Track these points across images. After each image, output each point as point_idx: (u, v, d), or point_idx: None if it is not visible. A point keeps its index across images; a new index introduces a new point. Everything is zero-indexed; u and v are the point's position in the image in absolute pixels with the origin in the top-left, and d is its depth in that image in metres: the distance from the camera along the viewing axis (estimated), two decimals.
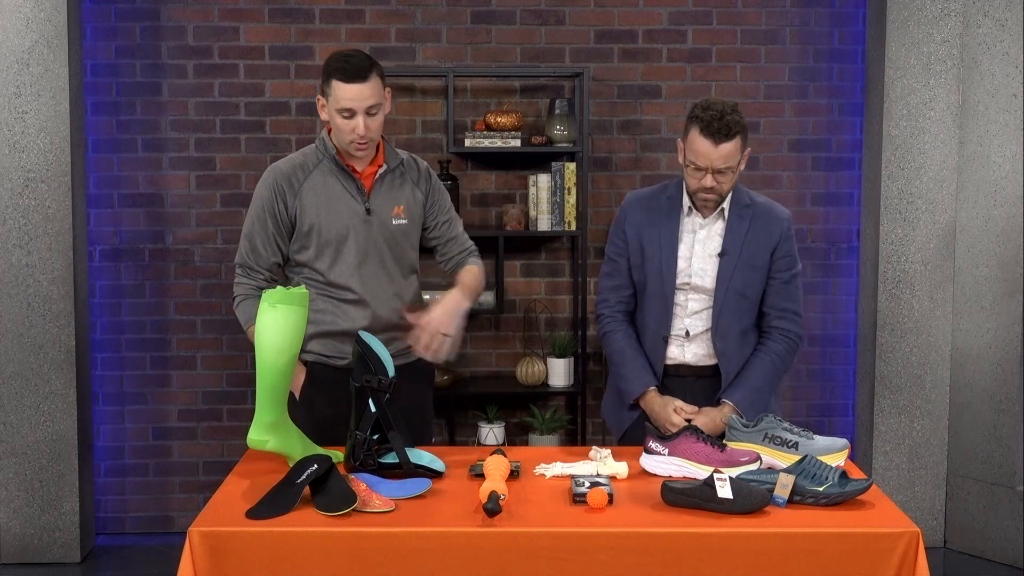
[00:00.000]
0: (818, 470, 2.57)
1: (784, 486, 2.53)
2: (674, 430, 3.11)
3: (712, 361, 3.24)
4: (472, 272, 3.23)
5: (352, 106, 2.97)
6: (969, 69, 4.65)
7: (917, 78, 4.67)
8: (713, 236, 3.20)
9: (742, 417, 3.10)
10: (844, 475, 2.59)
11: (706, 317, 3.21)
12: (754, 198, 3.25)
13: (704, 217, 3.20)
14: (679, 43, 4.91)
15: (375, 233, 3.09)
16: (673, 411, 3.17)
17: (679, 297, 3.20)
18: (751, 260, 3.18)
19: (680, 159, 3.16)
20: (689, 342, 3.22)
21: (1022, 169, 4.54)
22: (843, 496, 2.54)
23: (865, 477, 2.67)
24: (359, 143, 3.02)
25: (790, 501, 2.54)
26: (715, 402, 3.21)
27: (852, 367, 5.03)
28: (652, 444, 2.81)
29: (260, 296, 3.02)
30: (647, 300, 3.24)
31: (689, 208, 3.20)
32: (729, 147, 3.04)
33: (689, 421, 3.15)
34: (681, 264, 3.18)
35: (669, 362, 3.24)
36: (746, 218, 3.19)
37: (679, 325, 3.22)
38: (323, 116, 3.05)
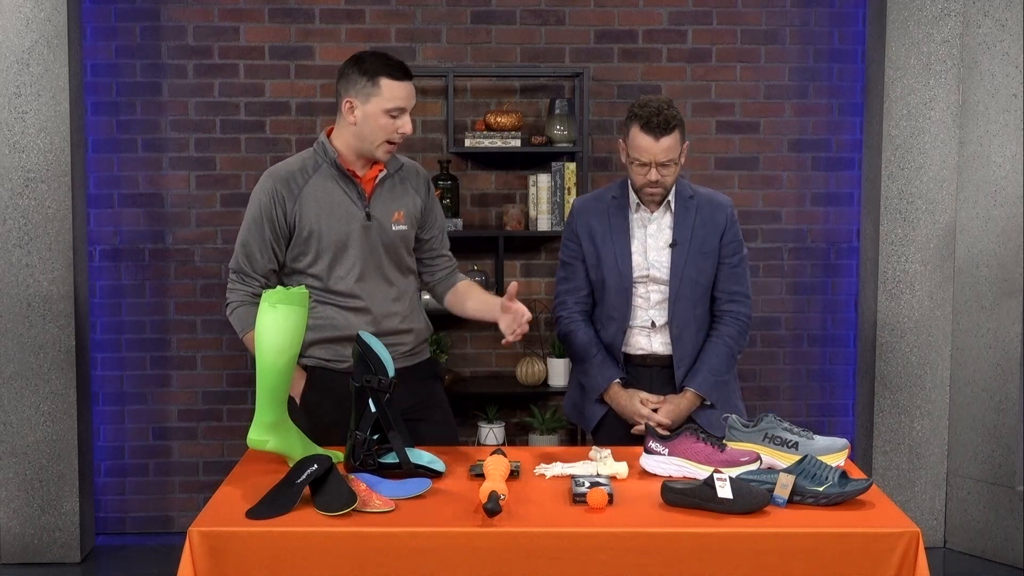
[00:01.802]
0: (818, 470, 2.57)
1: (784, 486, 2.53)
2: (642, 422, 3.25)
3: None
4: (477, 286, 3.29)
5: (405, 104, 2.98)
6: (969, 69, 4.65)
7: (917, 78, 4.67)
8: (663, 229, 3.33)
9: (705, 400, 3.30)
10: (844, 475, 2.59)
11: (668, 306, 3.34)
12: (696, 189, 3.39)
13: (651, 212, 3.33)
14: (679, 43, 4.91)
15: (375, 239, 3.06)
16: (639, 403, 3.29)
17: (640, 290, 3.33)
18: (701, 248, 3.31)
19: (623, 158, 3.30)
20: (656, 332, 3.34)
21: (1022, 169, 4.53)
22: (843, 496, 2.54)
23: (865, 477, 2.67)
24: (392, 144, 3.02)
25: (790, 501, 2.54)
26: (677, 390, 3.33)
27: (852, 367, 5.04)
28: (652, 444, 2.81)
29: (255, 303, 3.02)
30: (608, 295, 3.35)
31: (636, 205, 3.34)
32: (669, 141, 3.18)
33: (655, 411, 3.28)
34: (637, 259, 3.32)
35: (637, 352, 3.36)
36: (691, 208, 3.33)
37: (644, 317, 3.34)
38: (351, 119, 3.00)
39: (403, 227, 3.11)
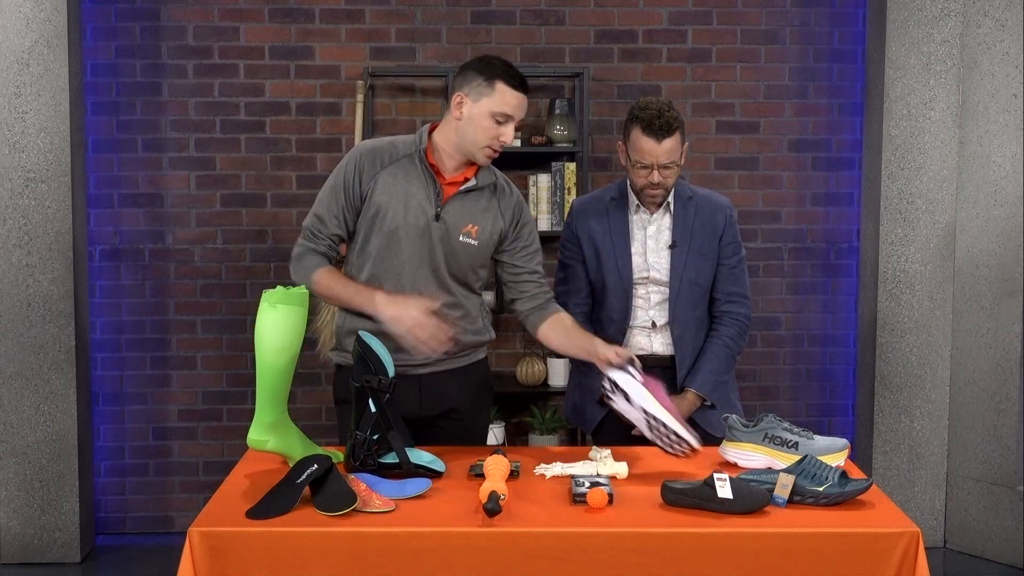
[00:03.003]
0: (818, 470, 2.57)
1: (784, 486, 2.53)
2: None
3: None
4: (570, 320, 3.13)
5: (514, 113, 2.95)
6: (969, 69, 4.65)
7: (917, 78, 4.67)
8: (663, 230, 3.34)
9: (706, 400, 3.32)
10: (844, 475, 2.59)
11: (668, 307, 3.35)
12: (695, 190, 3.40)
13: (651, 213, 3.33)
14: (679, 43, 4.91)
15: (435, 240, 2.99)
16: None
17: (640, 291, 3.33)
18: (700, 249, 3.32)
19: (622, 160, 3.30)
20: (656, 332, 3.35)
21: (1022, 169, 4.53)
22: (843, 496, 2.54)
23: (865, 477, 2.67)
24: (493, 151, 2.98)
25: (790, 501, 2.54)
26: (679, 391, 3.33)
27: (852, 367, 5.03)
28: (632, 370, 2.87)
29: (319, 253, 3.03)
30: (608, 296, 3.35)
31: (636, 206, 3.34)
32: (671, 143, 3.19)
33: None
34: (637, 260, 3.32)
35: (638, 352, 3.34)
36: (690, 209, 3.34)
37: (644, 317, 3.35)
38: (457, 113, 2.96)
39: (472, 241, 3.02)
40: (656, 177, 3.20)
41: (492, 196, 3.08)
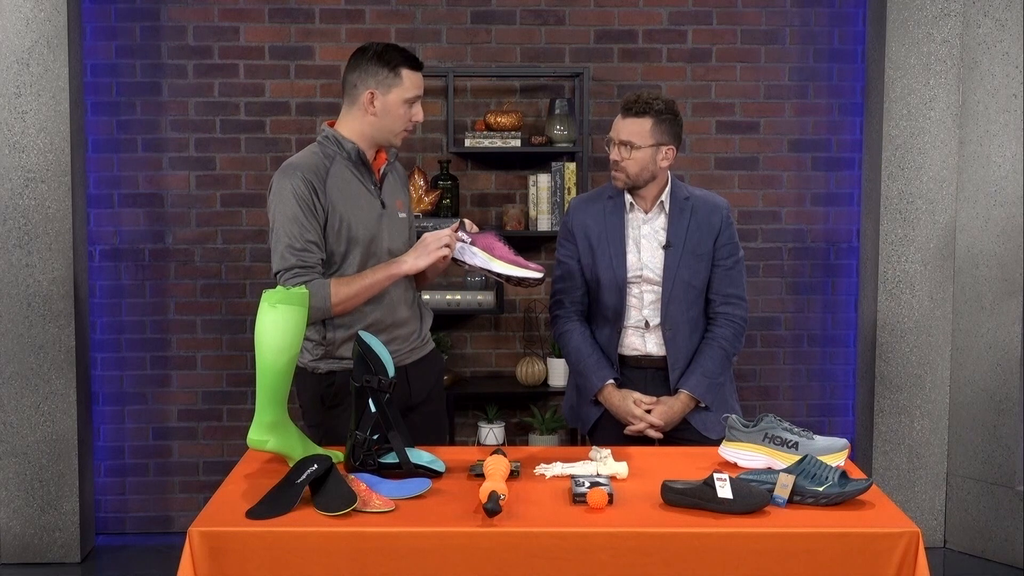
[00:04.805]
0: (818, 470, 2.57)
1: (784, 486, 2.53)
2: (635, 422, 3.30)
3: None
4: None
5: (421, 93, 3.07)
6: (969, 69, 4.65)
7: (917, 78, 4.67)
8: (657, 230, 3.36)
9: (700, 402, 3.32)
10: (844, 475, 2.59)
11: (660, 307, 3.36)
12: (692, 191, 3.41)
13: (646, 212, 3.35)
14: (679, 43, 4.91)
15: (391, 227, 3.10)
16: (632, 403, 3.31)
17: (634, 290, 3.34)
18: (695, 250, 3.33)
19: None
20: (649, 332, 3.35)
21: (1022, 169, 4.54)
22: (843, 496, 2.54)
23: (865, 477, 2.66)
24: (407, 132, 3.09)
25: (790, 501, 2.54)
26: (672, 391, 3.34)
27: (852, 367, 5.04)
28: (462, 234, 2.95)
29: (322, 277, 2.98)
30: (603, 293, 3.36)
31: (631, 204, 3.35)
32: (634, 123, 3.24)
33: (648, 411, 3.31)
34: (631, 259, 3.33)
35: (632, 353, 3.38)
36: (686, 210, 3.35)
37: (637, 316, 3.35)
38: (372, 109, 3.02)
39: (403, 215, 3.17)
40: (616, 154, 3.26)
41: (396, 171, 3.24)
